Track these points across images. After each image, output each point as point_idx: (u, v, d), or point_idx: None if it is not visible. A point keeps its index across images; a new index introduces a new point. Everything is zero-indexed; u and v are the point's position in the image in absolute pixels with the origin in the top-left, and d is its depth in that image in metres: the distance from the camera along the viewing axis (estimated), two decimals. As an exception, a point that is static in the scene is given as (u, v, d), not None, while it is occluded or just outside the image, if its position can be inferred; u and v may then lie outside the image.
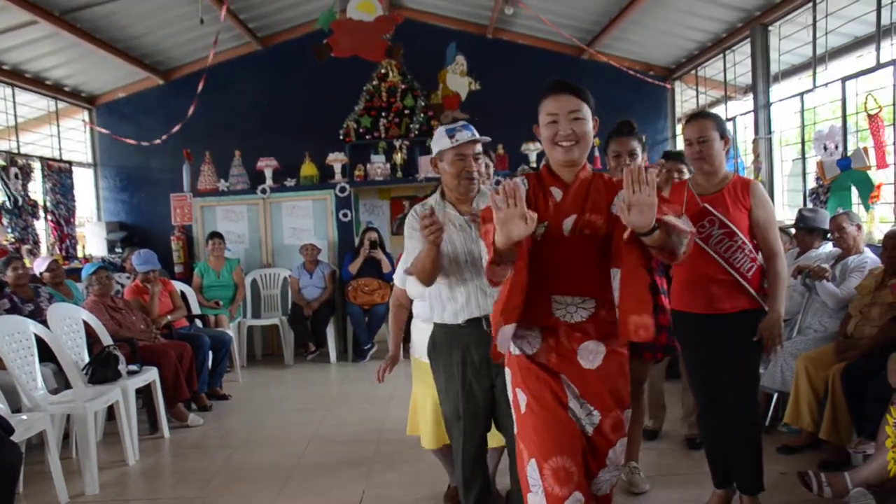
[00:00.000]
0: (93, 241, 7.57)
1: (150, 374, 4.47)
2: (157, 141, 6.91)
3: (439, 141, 2.55)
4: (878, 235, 4.52)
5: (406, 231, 2.64)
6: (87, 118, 7.83)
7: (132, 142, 7.14)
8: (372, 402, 5.21)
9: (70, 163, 7.32)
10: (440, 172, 2.60)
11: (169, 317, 5.46)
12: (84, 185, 7.74)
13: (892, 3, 4.48)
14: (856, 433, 3.38)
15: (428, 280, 2.52)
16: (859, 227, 4.08)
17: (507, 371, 2.13)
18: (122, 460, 4.11)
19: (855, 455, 3.35)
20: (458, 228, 2.53)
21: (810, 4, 5.23)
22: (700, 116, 2.87)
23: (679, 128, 7.78)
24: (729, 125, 6.37)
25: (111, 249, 7.43)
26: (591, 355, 2.03)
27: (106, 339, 4.48)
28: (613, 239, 1.99)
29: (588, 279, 2.03)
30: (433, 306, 2.64)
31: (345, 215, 7.19)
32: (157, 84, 7.76)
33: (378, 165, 7.20)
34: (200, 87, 6.45)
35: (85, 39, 6.12)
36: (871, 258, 3.99)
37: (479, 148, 2.55)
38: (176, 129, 6.65)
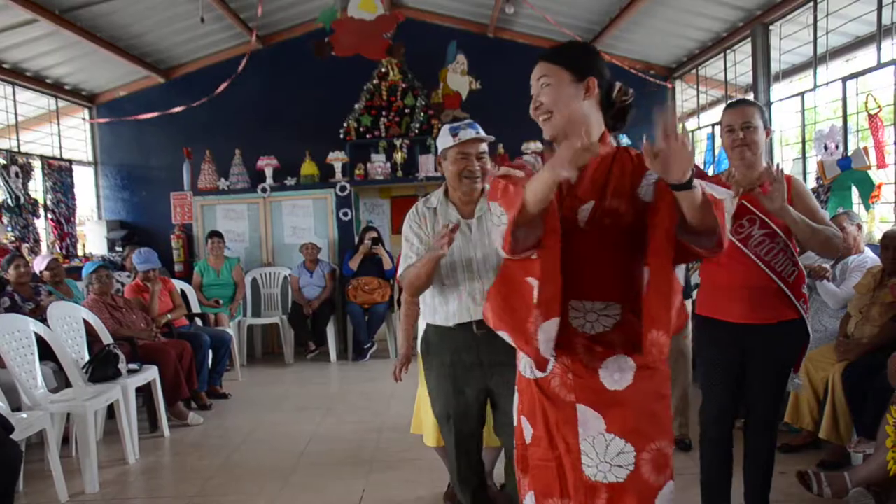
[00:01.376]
0: (93, 239, 7.58)
1: (150, 373, 4.48)
2: (178, 109, 7.05)
3: (443, 138, 2.50)
4: (879, 235, 4.51)
5: (405, 230, 2.56)
6: (87, 116, 7.83)
7: (153, 114, 7.17)
8: (372, 400, 5.21)
9: (70, 161, 7.32)
10: (444, 171, 2.54)
11: (169, 315, 5.46)
12: (84, 183, 7.75)
13: (892, 2, 4.48)
14: (856, 433, 3.38)
15: (416, 291, 2.46)
16: (860, 227, 4.09)
17: (517, 394, 1.87)
18: (122, 459, 4.11)
19: (855, 455, 3.36)
20: (458, 231, 2.38)
21: (811, 4, 5.22)
22: (744, 103, 2.65)
23: (680, 127, 7.77)
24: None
25: (111, 248, 7.44)
26: (616, 373, 1.67)
27: (106, 338, 4.49)
28: (649, 233, 1.64)
29: (611, 279, 1.69)
30: (424, 309, 2.62)
31: (345, 214, 7.18)
32: (158, 83, 7.76)
33: (378, 164, 7.20)
34: (242, 66, 6.80)
35: (85, 38, 6.11)
36: (871, 258, 3.99)
37: (483, 147, 2.50)
38: (202, 101, 6.82)
